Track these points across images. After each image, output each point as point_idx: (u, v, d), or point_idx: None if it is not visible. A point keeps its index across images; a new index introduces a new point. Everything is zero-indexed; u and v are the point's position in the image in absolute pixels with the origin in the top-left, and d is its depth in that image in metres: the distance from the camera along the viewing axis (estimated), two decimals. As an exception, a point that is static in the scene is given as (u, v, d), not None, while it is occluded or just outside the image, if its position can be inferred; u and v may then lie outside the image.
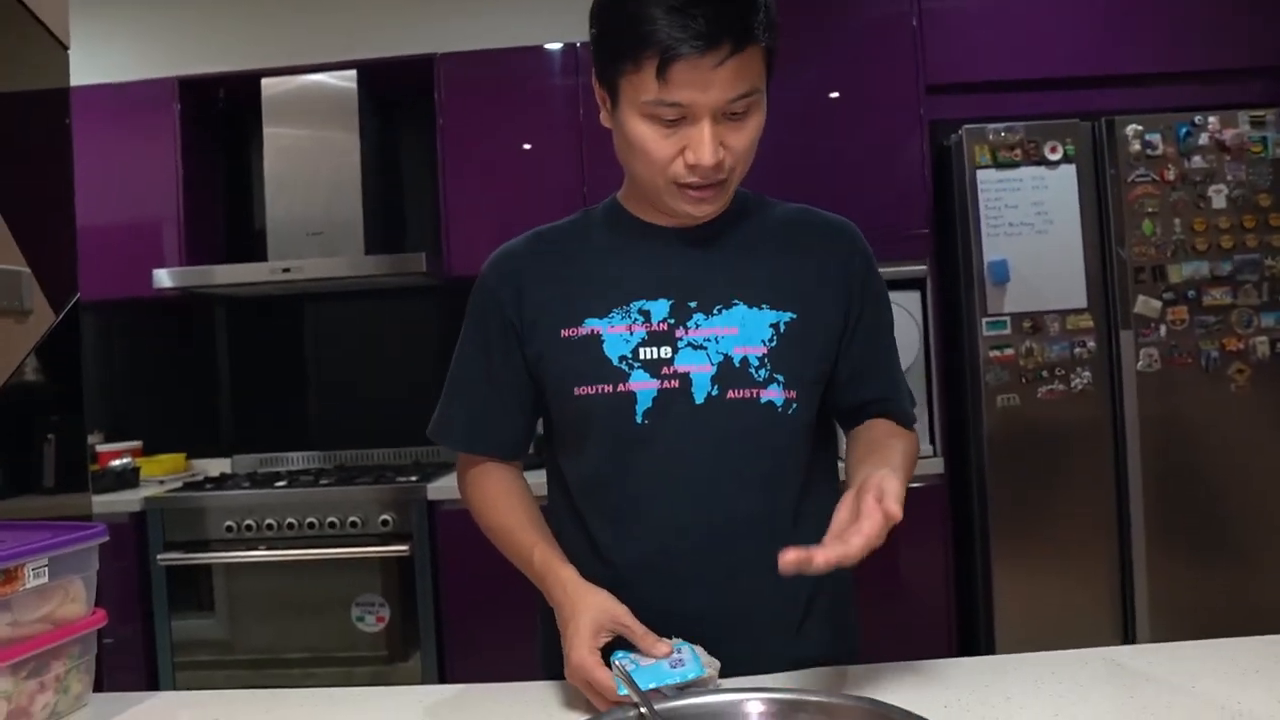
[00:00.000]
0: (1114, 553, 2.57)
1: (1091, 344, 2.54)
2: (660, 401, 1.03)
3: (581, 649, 0.92)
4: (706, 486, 1.04)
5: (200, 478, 3.04)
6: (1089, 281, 2.55)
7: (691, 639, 0.97)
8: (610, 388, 1.04)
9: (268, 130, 3.06)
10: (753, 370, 1.04)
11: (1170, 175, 2.54)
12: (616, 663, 0.89)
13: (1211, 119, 2.54)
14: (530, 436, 1.17)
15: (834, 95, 2.80)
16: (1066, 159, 2.56)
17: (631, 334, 1.05)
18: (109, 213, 3.02)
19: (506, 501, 1.12)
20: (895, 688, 0.94)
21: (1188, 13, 2.76)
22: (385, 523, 2.68)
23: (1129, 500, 2.55)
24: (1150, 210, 2.54)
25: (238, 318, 3.36)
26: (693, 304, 1.05)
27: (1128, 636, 2.55)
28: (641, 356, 1.04)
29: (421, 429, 1.18)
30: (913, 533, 2.64)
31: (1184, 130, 2.54)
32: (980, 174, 2.57)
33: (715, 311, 1.05)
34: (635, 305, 1.06)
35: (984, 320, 2.55)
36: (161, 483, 3.01)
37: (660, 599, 1.03)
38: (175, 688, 2.73)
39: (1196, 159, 2.54)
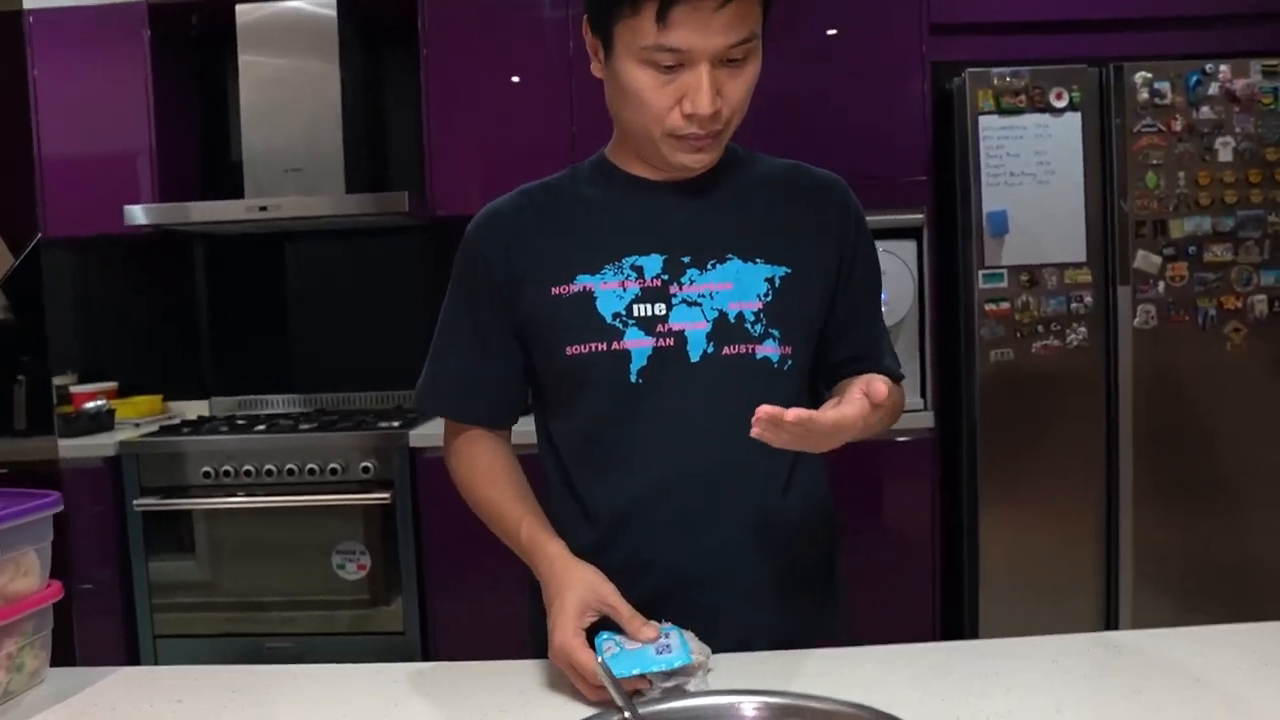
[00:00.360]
0: (1101, 509, 2.55)
1: (1089, 299, 2.49)
2: (655, 359, 1.01)
3: (565, 630, 0.89)
4: (701, 440, 1.02)
5: (177, 421, 2.98)
6: (1089, 235, 2.49)
7: (677, 610, 0.93)
8: (604, 345, 1.01)
9: (243, 59, 2.92)
10: (748, 326, 1.02)
11: (1177, 126, 2.46)
12: (599, 657, 0.85)
13: (1223, 67, 2.45)
14: (521, 404, 1.13)
15: (831, 32, 2.69)
16: (1072, 106, 2.47)
17: (625, 290, 1.02)
18: (77, 145, 2.90)
19: (494, 474, 1.09)
20: (888, 679, 0.90)
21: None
22: (366, 470, 2.63)
23: (1118, 457, 2.53)
24: (1155, 162, 2.47)
25: (216, 255, 3.26)
26: (686, 259, 1.03)
27: (1110, 590, 2.56)
28: (635, 313, 1.02)
29: (405, 372, 1.16)
30: (901, 484, 2.64)
31: (1194, 79, 2.45)
32: (983, 120, 2.48)
33: (709, 266, 1.03)
34: (628, 261, 1.03)
35: (980, 272, 2.49)
36: (137, 425, 2.95)
37: (646, 550, 1.02)
38: (154, 631, 2.71)
39: (1205, 109, 2.46)
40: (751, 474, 1.03)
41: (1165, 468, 2.52)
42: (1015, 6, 2.64)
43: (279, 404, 3.20)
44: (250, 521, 2.66)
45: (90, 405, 2.90)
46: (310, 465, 2.64)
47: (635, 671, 0.84)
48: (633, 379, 1.01)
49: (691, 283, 1.02)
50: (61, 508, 0.97)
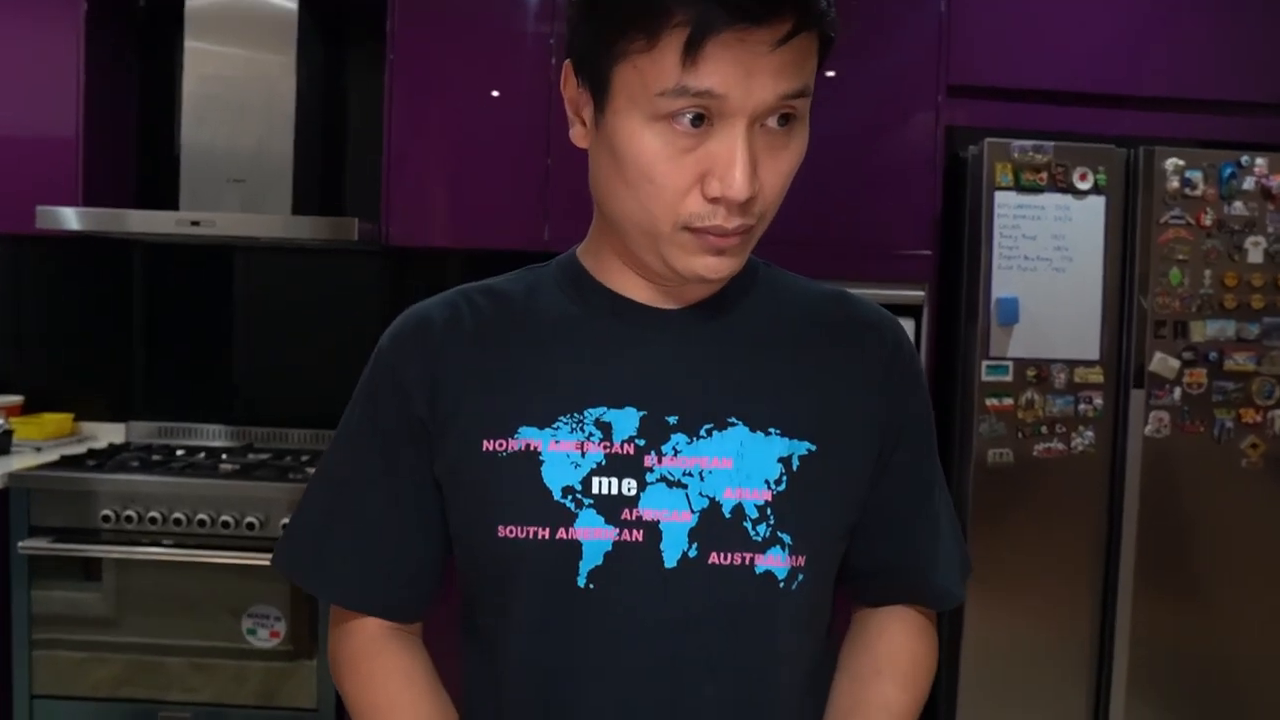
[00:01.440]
0: (1094, 619, 2.35)
1: (1099, 401, 2.28)
2: (615, 558, 0.74)
3: None
4: (667, 683, 0.74)
5: (84, 450, 2.66)
6: (1104, 331, 2.28)
7: None
8: (546, 531, 0.74)
9: (189, 46, 2.62)
10: (749, 524, 0.74)
11: (1207, 220, 2.26)
12: None
13: (1259, 161, 2.26)
14: (440, 586, 0.84)
15: (830, 74, 2.45)
16: (1096, 189, 2.26)
17: (584, 455, 0.75)
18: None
19: (403, 712, 0.79)
20: None
21: (1241, 37, 2.45)
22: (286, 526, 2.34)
23: (1118, 568, 2.33)
24: (1180, 257, 2.27)
25: (154, 262, 2.94)
26: (672, 419, 0.76)
27: (1100, 695, 2.35)
28: (595, 489, 0.74)
29: (341, 412, 0.85)
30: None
31: (1228, 171, 2.25)
32: (999, 195, 2.27)
33: (703, 434, 0.76)
34: (592, 414, 0.76)
35: (984, 363, 2.27)
36: (38, 450, 2.64)
37: None
38: (31, 690, 2.39)
39: (1237, 204, 2.26)
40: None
41: (1167, 581, 2.32)
42: (1042, 73, 2.42)
43: (204, 435, 2.89)
44: (153, 573, 2.36)
45: (-15, 425, 2.58)
46: (225, 516, 2.35)
47: None
48: (581, 582, 0.74)
49: (676, 454, 0.75)
50: None
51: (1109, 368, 2.28)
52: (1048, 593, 2.34)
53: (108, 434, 2.89)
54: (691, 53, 0.63)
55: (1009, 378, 2.26)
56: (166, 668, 2.40)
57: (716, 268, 0.72)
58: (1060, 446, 2.27)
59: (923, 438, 0.85)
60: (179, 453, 2.66)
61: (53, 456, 2.56)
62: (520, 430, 0.75)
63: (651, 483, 0.74)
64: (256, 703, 2.39)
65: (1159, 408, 2.27)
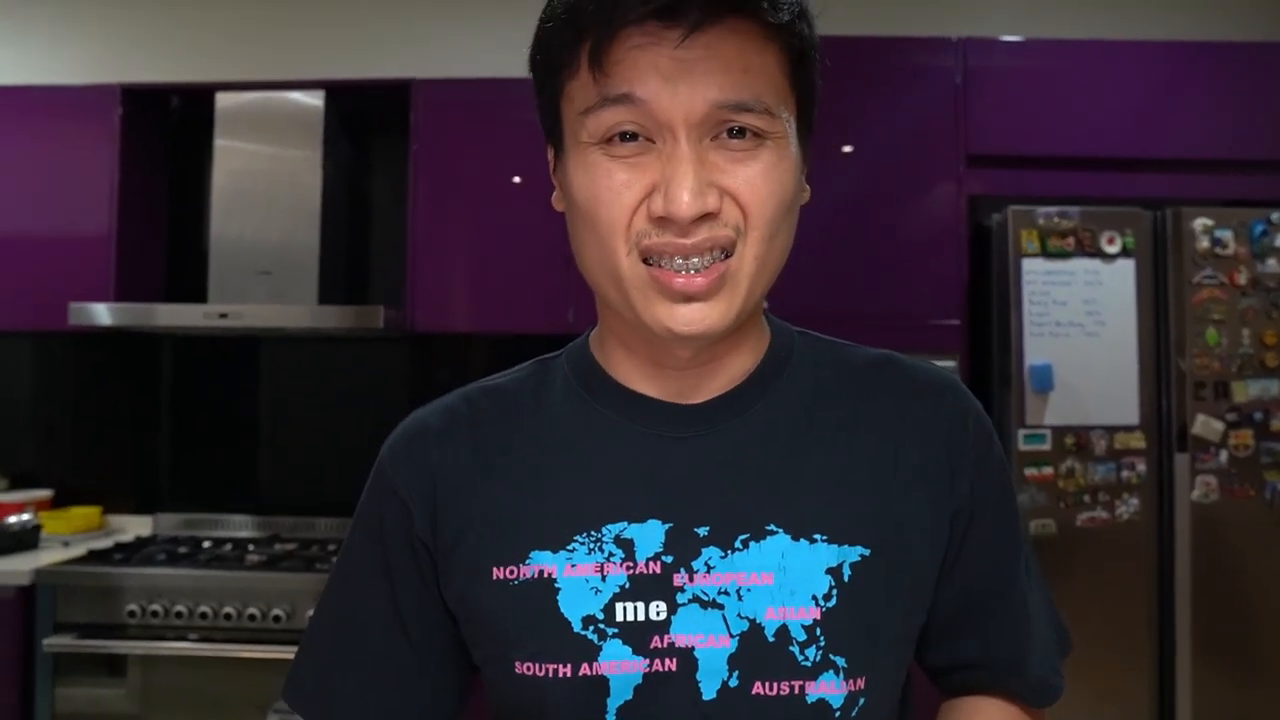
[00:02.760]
0: (1151, 696, 2.23)
1: (1141, 467, 2.21)
2: (647, 693, 0.66)
3: None
4: None
5: (110, 544, 2.65)
6: (1142, 395, 2.22)
7: None
8: (569, 669, 0.66)
9: (219, 144, 2.69)
10: (796, 648, 0.66)
11: (1241, 279, 2.22)
12: None
13: (1290, 218, 2.23)
14: (463, 707, 0.78)
15: (847, 149, 2.46)
16: (1125, 252, 2.24)
17: (604, 579, 0.67)
18: (29, 228, 2.65)
19: None
20: None
21: (1261, 94, 2.45)
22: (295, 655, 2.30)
23: (1175, 642, 2.22)
24: (1216, 317, 2.22)
25: (178, 355, 2.97)
26: (702, 531, 0.68)
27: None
28: (619, 617, 0.67)
29: None
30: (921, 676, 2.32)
31: (1260, 229, 2.22)
32: (1026, 262, 2.24)
33: (739, 545, 0.67)
34: (611, 531, 0.68)
35: (1020, 432, 2.22)
36: (66, 544, 2.62)
37: None
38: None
39: (1271, 262, 2.23)
40: None
41: (1226, 655, 2.21)
42: (1061, 140, 2.42)
43: (231, 525, 2.87)
44: (178, 668, 2.32)
45: (14, 520, 2.58)
46: (251, 610, 2.31)
47: None
48: None
49: (709, 570, 0.67)
50: None
51: (1150, 432, 2.22)
52: (1103, 670, 2.23)
53: (135, 526, 2.88)
54: (598, 58, 0.61)
55: (1047, 446, 2.21)
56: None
57: (688, 318, 0.63)
58: (1104, 515, 2.20)
59: (1000, 513, 0.74)
60: (205, 544, 2.63)
61: (80, 551, 2.54)
62: (532, 555, 0.68)
63: (683, 604, 0.66)
64: (283, 802, 2.31)
65: (1205, 471, 2.20)
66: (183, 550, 2.55)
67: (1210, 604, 2.20)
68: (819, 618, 0.66)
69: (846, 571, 0.67)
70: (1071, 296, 2.23)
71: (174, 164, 2.98)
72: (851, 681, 0.66)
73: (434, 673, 0.74)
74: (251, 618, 2.31)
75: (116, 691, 2.36)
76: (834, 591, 0.67)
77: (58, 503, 2.85)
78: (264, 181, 2.69)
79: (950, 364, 2.36)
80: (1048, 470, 2.20)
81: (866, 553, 0.68)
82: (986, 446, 0.74)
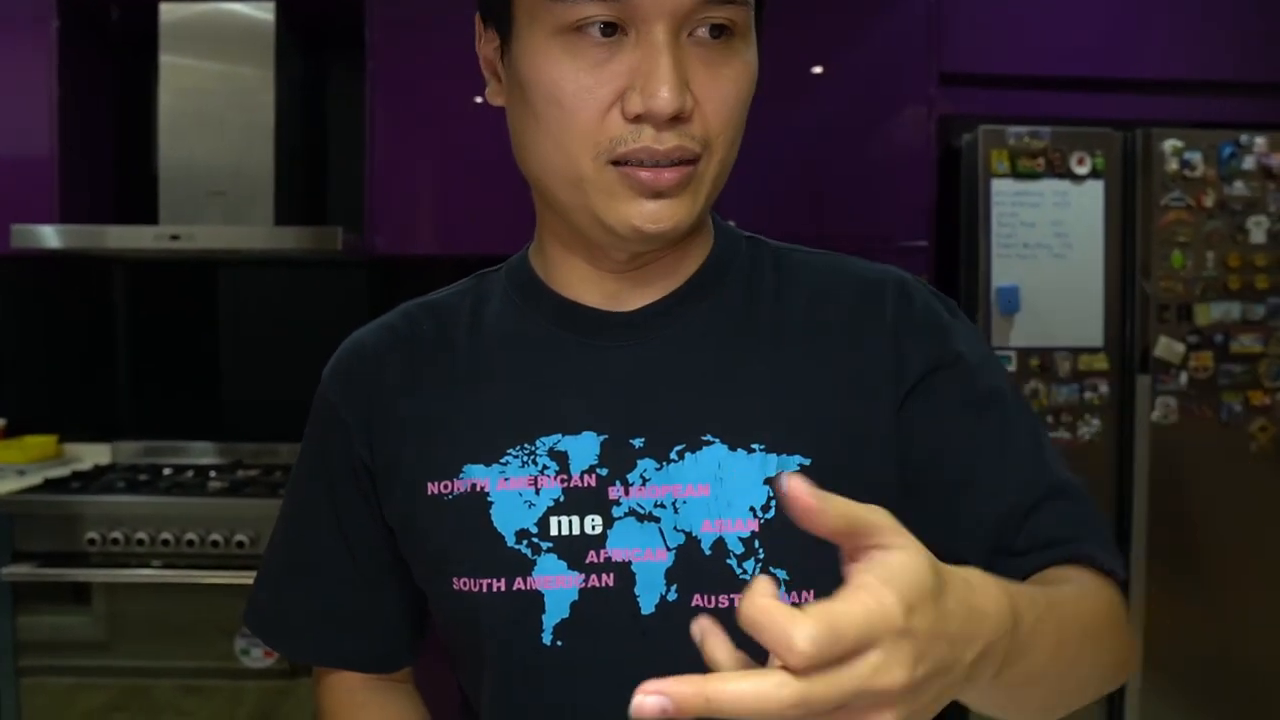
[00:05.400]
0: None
1: (1104, 389, 2.24)
2: (583, 609, 0.64)
3: None
4: None
5: (68, 472, 2.60)
6: (1107, 317, 2.24)
7: None
8: (502, 583, 0.65)
9: (165, 61, 2.57)
10: (734, 561, 0.63)
11: (1208, 201, 2.22)
12: None
13: (1259, 140, 2.22)
14: (418, 630, 0.77)
15: (817, 70, 2.41)
16: (1094, 174, 2.22)
17: (538, 492, 0.65)
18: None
19: None
20: None
21: (1236, 15, 2.42)
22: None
23: (1129, 559, 2.28)
24: (1182, 240, 2.22)
25: (133, 279, 2.88)
26: (638, 442, 0.65)
27: (1113, 696, 2.30)
28: (553, 530, 0.65)
29: None
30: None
31: (1228, 151, 2.21)
32: (995, 183, 2.22)
33: (674, 456, 0.65)
34: (544, 444, 0.66)
35: (986, 354, 2.23)
36: (21, 473, 2.57)
37: None
38: (19, 704, 2.33)
39: (1238, 184, 2.22)
40: None
41: (1180, 569, 2.28)
42: (1035, 58, 2.38)
43: (192, 452, 2.83)
44: (141, 595, 2.31)
45: (-34, 449, 2.52)
46: (215, 536, 2.29)
47: None
48: (546, 639, 0.64)
49: (645, 482, 0.64)
50: None
51: (1113, 354, 2.24)
52: (1058, 586, 2.29)
53: (93, 455, 2.83)
54: None
55: (1012, 367, 2.22)
56: (159, 691, 2.33)
57: (656, 215, 0.60)
58: (1067, 435, 2.23)
59: (977, 362, 0.67)
60: (166, 472, 2.60)
61: (36, 480, 2.49)
62: (465, 469, 0.67)
63: (619, 518, 0.64)
64: (259, 706, 2.33)
65: (1165, 393, 2.23)
66: (143, 478, 2.51)
67: (1165, 520, 2.25)
68: (757, 530, 0.64)
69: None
70: (1040, 218, 2.22)
71: (118, 82, 2.85)
72: (797, 594, 0.63)
73: (384, 590, 0.74)
74: (215, 544, 2.29)
75: (81, 619, 2.34)
76: (772, 503, 0.64)
77: (10, 433, 2.79)
78: (214, 100, 2.57)
79: (918, 286, 2.36)
80: (1012, 392, 2.22)
81: (806, 462, 0.64)
82: (934, 319, 0.68)
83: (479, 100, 2.51)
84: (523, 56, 0.60)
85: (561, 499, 0.65)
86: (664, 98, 0.56)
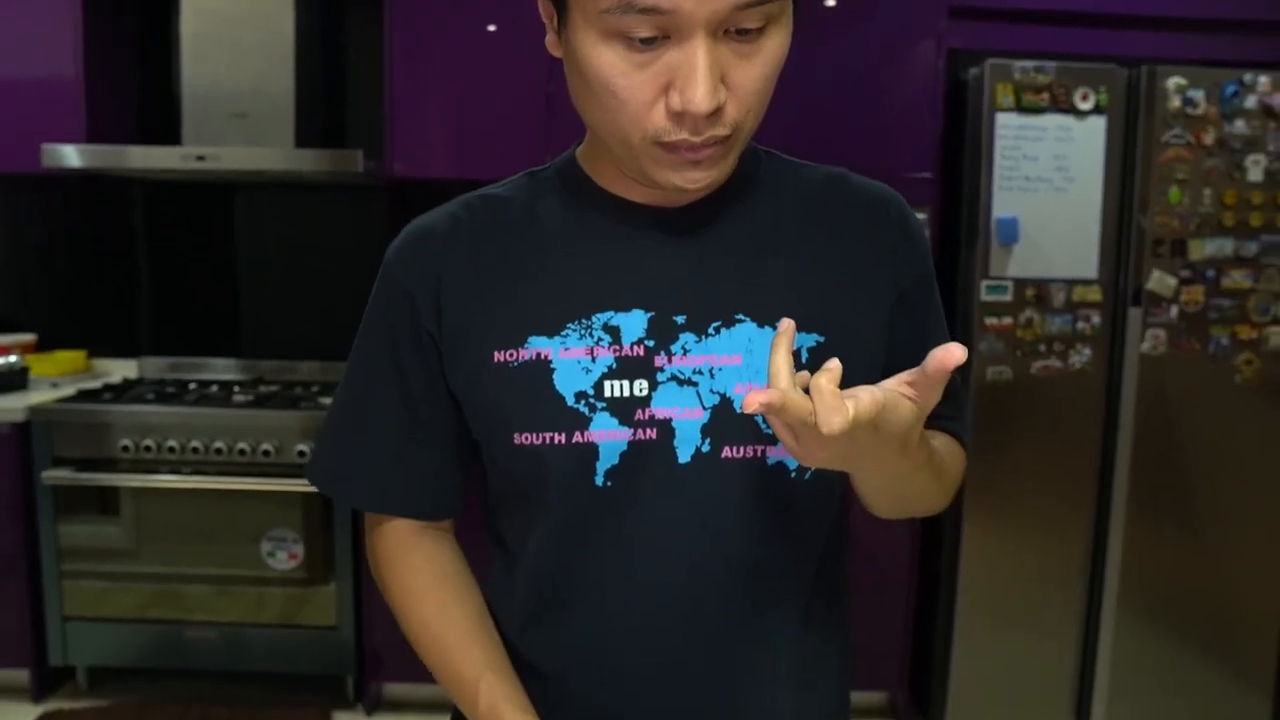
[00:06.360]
0: (1089, 532, 2.40)
1: (1096, 320, 2.31)
2: (631, 457, 0.75)
3: None
4: (683, 573, 0.77)
5: (99, 384, 2.72)
6: (1103, 251, 2.30)
7: None
8: (563, 437, 0.75)
9: (186, -15, 2.62)
10: (759, 418, 0.75)
11: (1208, 139, 2.27)
12: None
13: (1262, 79, 2.25)
14: (464, 486, 0.87)
15: (831, 2, 2.44)
16: (1097, 109, 2.27)
17: (594, 360, 0.76)
18: (-6, 70, 2.59)
19: (439, 600, 0.82)
20: None
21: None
22: (302, 454, 2.40)
23: (1112, 484, 2.38)
24: (1180, 177, 2.28)
25: (155, 200, 2.96)
26: (680, 319, 0.76)
27: (1091, 614, 2.42)
28: (607, 393, 0.75)
29: (350, 342, 0.87)
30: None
31: (1231, 89, 2.25)
32: (1000, 117, 2.27)
33: (711, 331, 0.76)
34: (599, 319, 0.76)
35: (983, 283, 2.30)
36: (54, 385, 2.69)
37: (607, 715, 0.78)
38: (63, 611, 2.48)
39: (1239, 123, 2.26)
40: (754, 613, 0.78)
41: (1161, 500, 2.37)
42: (1043, -7, 2.40)
43: (215, 368, 2.94)
44: (173, 500, 2.43)
45: (1, 361, 2.63)
46: (241, 445, 2.41)
47: None
48: (599, 481, 0.75)
49: (686, 353, 0.76)
50: None
51: (1107, 287, 2.31)
52: (1045, 510, 2.39)
53: (120, 370, 2.94)
54: None
55: (1008, 297, 2.29)
56: (190, 592, 2.48)
57: (696, 180, 0.71)
58: (1058, 364, 2.31)
59: (932, 299, 0.86)
60: (191, 385, 2.71)
61: (69, 391, 2.61)
62: (530, 340, 0.76)
63: (662, 382, 0.75)
64: (279, 622, 2.47)
65: (1156, 325, 2.30)
66: (170, 390, 2.62)
67: (1149, 449, 2.34)
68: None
69: (805, 355, 0.77)
70: (1042, 152, 2.27)
71: (140, 6, 2.88)
72: None
73: (437, 445, 0.83)
74: (241, 452, 2.40)
75: (114, 525, 2.47)
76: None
77: (40, 348, 2.90)
78: (235, 24, 2.62)
79: (921, 216, 2.42)
80: (1007, 320, 2.30)
81: (821, 339, 0.77)
82: (922, 254, 0.85)
83: (492, 28, 2.56)
84: (578, 45, 0.67)
85: (614, 366, 0.76)
86: (701, 99, 0.64)
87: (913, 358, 0.80)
